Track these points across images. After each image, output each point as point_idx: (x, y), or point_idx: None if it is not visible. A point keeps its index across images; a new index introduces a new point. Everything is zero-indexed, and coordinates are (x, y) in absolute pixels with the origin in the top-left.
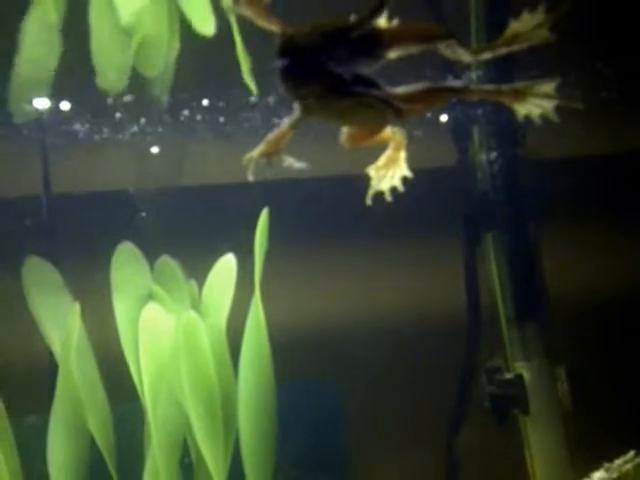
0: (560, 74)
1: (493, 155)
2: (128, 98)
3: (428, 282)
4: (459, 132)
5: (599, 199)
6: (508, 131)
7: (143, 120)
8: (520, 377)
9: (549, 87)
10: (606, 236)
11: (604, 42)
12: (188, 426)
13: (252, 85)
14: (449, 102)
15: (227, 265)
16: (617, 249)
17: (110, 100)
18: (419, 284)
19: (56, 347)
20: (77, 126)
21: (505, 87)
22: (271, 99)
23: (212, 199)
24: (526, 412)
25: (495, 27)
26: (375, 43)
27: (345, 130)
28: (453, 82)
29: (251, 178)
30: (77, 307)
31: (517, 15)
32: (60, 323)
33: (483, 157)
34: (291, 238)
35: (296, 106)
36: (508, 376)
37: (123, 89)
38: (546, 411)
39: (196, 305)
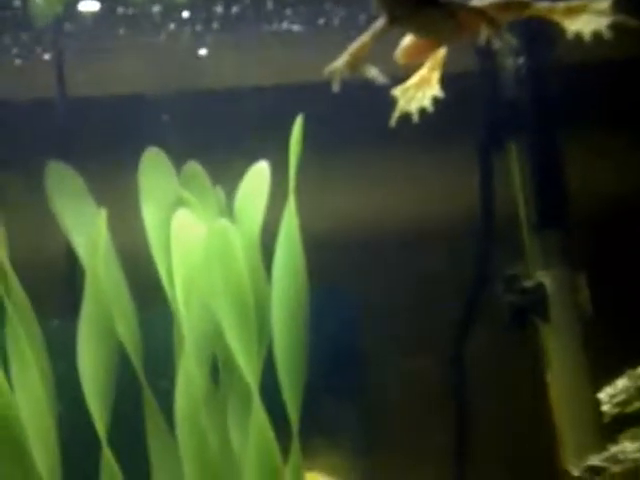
0: None
1: (520, 59)
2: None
3: (449, 188)
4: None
5: (626, 105)
6: (537, 34)
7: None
8: (540, 285)
9: (604, 4)
10: (631, 143)
11: None
12: (219, 332)
13: None
14: (516, 18)
15: (260, 172)
16: None
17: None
18: (440, 190)
19: (81, 252)
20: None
21: (559, 4)
22: None
23: (239, 103)
24: (546, 319)
25: None
26: None
27: (404, 45)
28: None
29: (336, 89)
30: (103, 213)
31: None
32: (85, 228)
33: (510, 61)
34: (317, 144)
35: (381, 16)
36: (528, 284)
37: None
38: (566, 319)
39: (222, 211)
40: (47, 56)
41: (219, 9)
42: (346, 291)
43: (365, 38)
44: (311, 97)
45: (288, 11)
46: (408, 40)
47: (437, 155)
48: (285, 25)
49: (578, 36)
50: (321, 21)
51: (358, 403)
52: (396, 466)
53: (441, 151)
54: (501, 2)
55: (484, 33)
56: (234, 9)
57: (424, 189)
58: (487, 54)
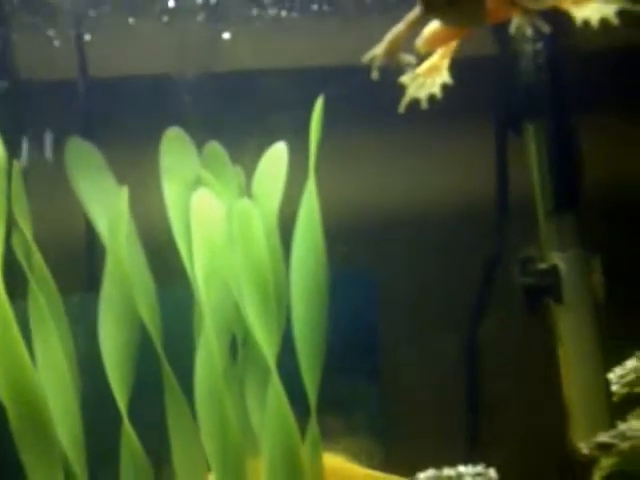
0: None
1: (538, 45)
2: None
3: (467, 170)
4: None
5: None
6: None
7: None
8: (555, 267)
9: None
10: None
11: None
12: (239, 309)
13: None
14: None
15: (278, 153)
16: None
17: None
18: (457, 172)
19: (101, 229)
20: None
21: None
22: None
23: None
24: (560, 301)
25: None
26: None
27: (425, 34)
28: None
29: (375, 76)
30: (125, 191)
31: None
32: (104, 204)
33: (528, 45)
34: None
35: (418, 4)
36: (543, 266)
37: None
38: (579, 301)
39: (243, 191)
40: (69, 36)
41: None
42: (363, 272)
43: (400, 27)
44: (330, 79)
45: None
46: (430, 29)
47: (455, 137)
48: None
49: (586, 23)
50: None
51: (377, 386)
52: (413, 449)
53: (459, 133)
54: None
55: (516, 21)
56: None
57: (441, 171)
58: (505, 38)
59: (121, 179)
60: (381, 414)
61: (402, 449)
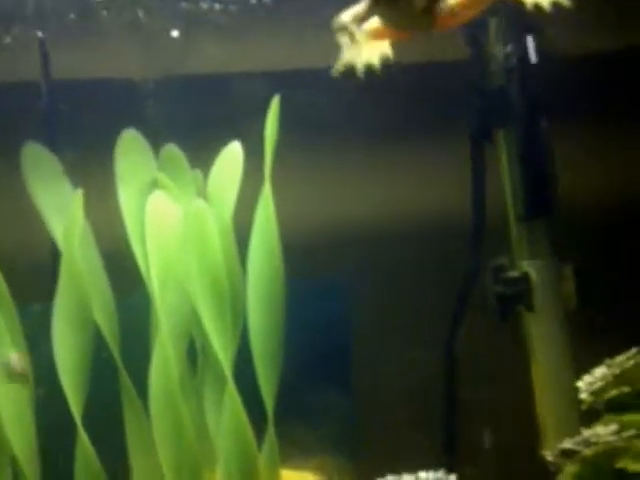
0: None
1: (508, 48)
2: None
3: (438, 180)
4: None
5: (615, 96)
6: (525, 23)
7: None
8: (526, 275)
9: None
10: (619, 135)
11: None
12: (195, 314)
13: None
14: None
15: (233, 154)
16: (630, 148)
17: None
18: (428, 183)
19: (58, 235)
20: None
21: None
22: None
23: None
24: (531, 308)
25: None
26: None
27: (366, 27)
28: None
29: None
30: (79, 195)
31: None
32: (61, 210)
33: (498, 50)
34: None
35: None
36: (514, 274)
37: None
38: (550, 308)
39: (201, 194)
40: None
41: None
42: (337, 283)
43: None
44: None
45: None
46: (371, 24)
47: (427, 146)
48: None
49: (538, 8)
50: None
51: (350, 400)
52: (387, 464)
53: (432, 141)
54: None
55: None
56: None
57: (416, 181)
58: (476, 43)
59: (82, 183)
60: (354, 429)
61: (376, 464)
